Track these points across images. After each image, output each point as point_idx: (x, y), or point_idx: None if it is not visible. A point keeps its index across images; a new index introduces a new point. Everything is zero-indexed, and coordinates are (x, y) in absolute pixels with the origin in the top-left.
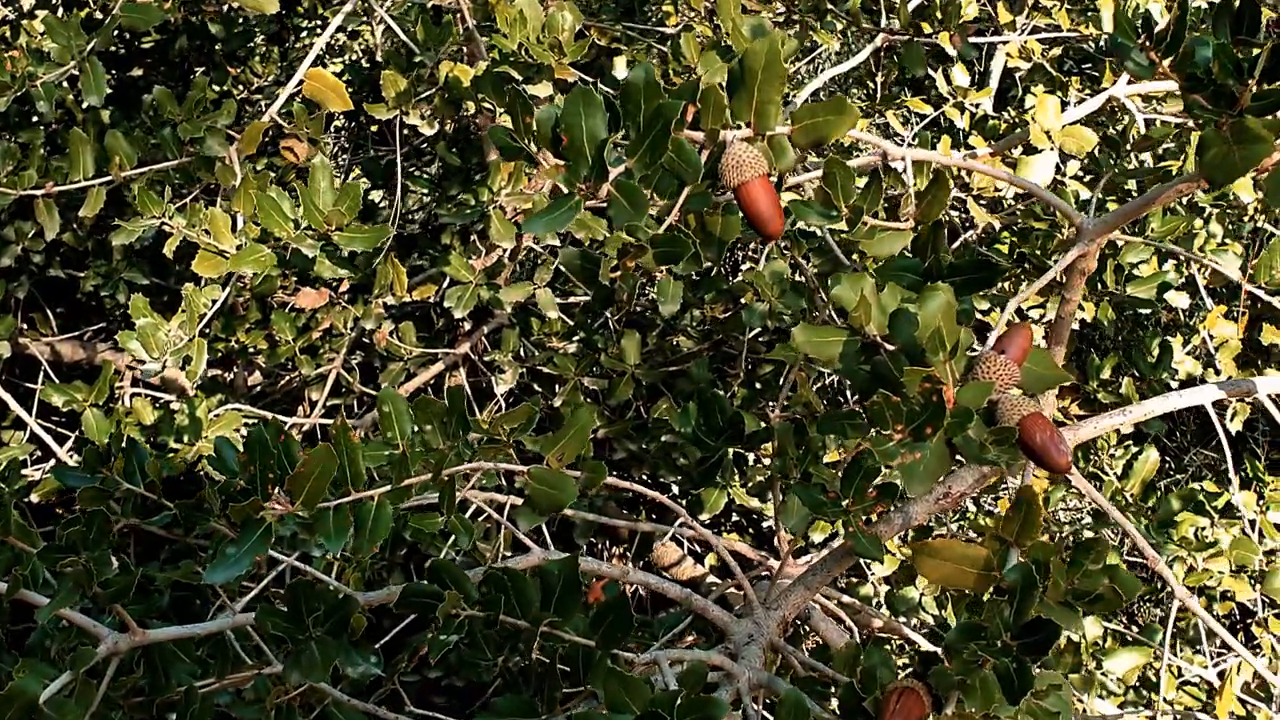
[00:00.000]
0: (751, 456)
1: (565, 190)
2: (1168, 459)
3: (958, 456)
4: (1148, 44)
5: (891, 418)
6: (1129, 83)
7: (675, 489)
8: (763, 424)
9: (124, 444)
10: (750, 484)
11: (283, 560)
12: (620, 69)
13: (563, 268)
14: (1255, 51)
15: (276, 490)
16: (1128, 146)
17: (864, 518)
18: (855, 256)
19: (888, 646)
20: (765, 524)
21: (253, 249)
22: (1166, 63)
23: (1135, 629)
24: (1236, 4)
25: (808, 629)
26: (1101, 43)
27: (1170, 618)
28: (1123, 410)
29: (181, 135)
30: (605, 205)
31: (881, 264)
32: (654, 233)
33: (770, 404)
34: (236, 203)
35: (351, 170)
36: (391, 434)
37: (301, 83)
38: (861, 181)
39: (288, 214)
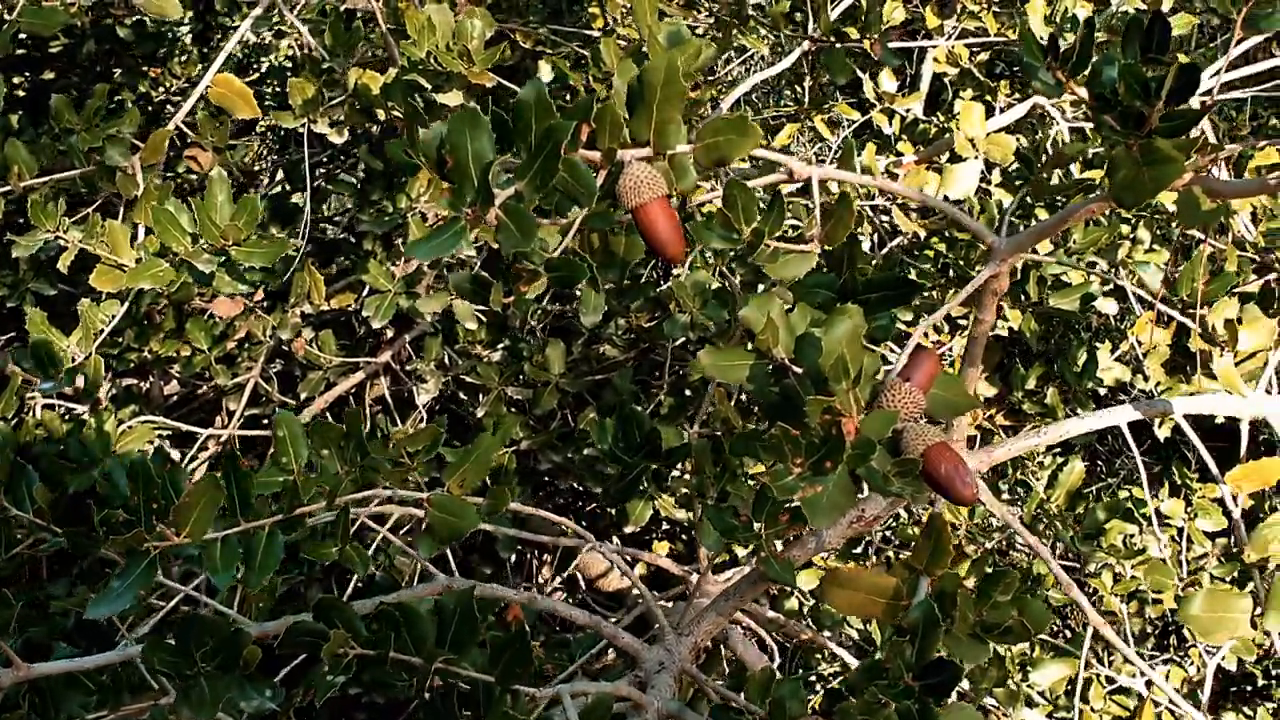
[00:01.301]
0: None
1: (450, 214)
2: (1100, 463)
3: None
4: (1054, 63)
5: (790, 450)
6: None
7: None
8: (684, 439)
9: (10, 469)
10: (676, 495)
11: (189, 586)
12: (545, 72)
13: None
14: (1163, 71)
15: (164, 521)
16: (1040, 163)
17: (777, 542)
18: None
19: (818, 655)
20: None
21: (151, 263)
22: (1074, 82)
23: (1066, 635)
24: (1146, 22)
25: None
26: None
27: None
28: (1038, 430)
29: (79, 145)
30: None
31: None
32: (548, 256)
33: (693, 415)
34: (137, 214)
35: (277, 172)
36: (286, 459)
37: (209, 88)
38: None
39: (186, 228)
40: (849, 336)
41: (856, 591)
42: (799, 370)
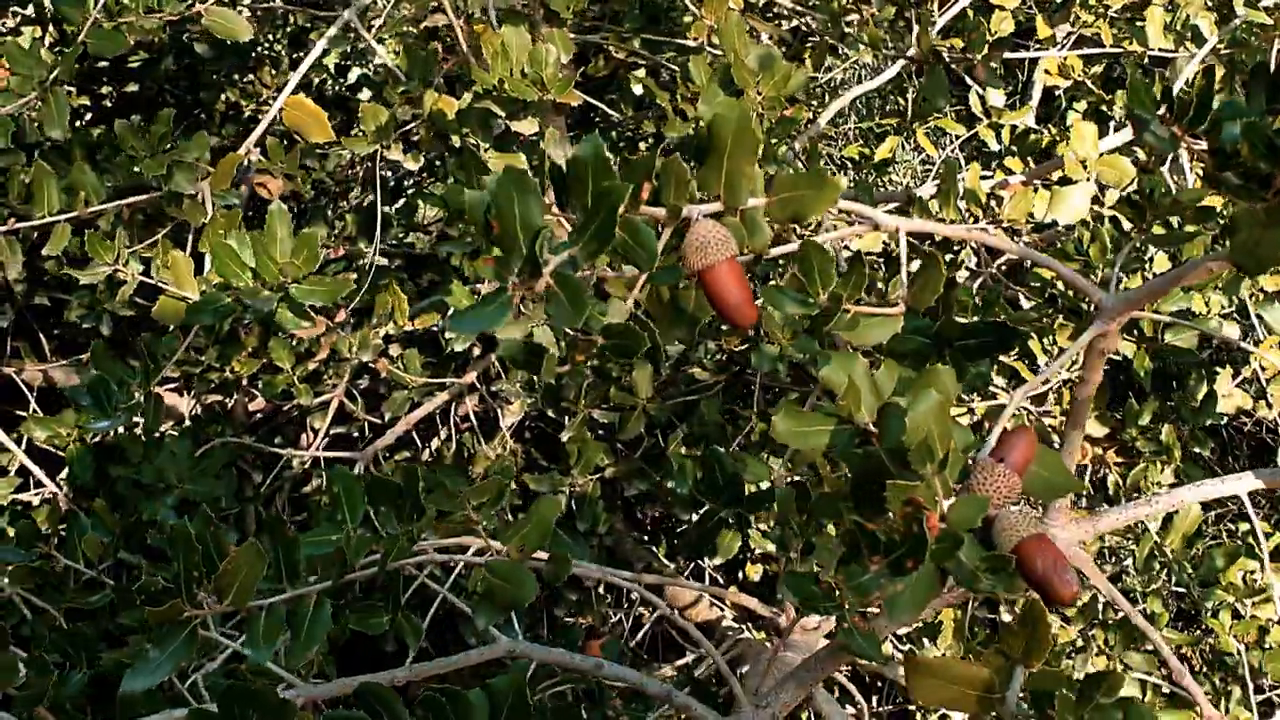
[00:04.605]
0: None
1: (496, 284)
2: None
3: None
4: (1168, 115)
5: (868, 547)
6: None
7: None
8: (769, 472)
9: (64, 518)
10: (765, 530)
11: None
12: (637, 85)
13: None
14: None
15: (206, 586)
16: (1159, 208)
17: (861, 611)
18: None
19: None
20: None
21: (212, 297)
22: (1191, 136)
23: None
24: (1273, 68)
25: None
26: (1145, 61)
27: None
28: (1149, 500)
29: (144, 173)
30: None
31: None
32: (607, 322)
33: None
34: (204, 243)
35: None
36: (342, 517)
37: (281, 111)
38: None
39: (247, 262)
40: (936, 411)
41: (944, 682)
42: (882, 441)
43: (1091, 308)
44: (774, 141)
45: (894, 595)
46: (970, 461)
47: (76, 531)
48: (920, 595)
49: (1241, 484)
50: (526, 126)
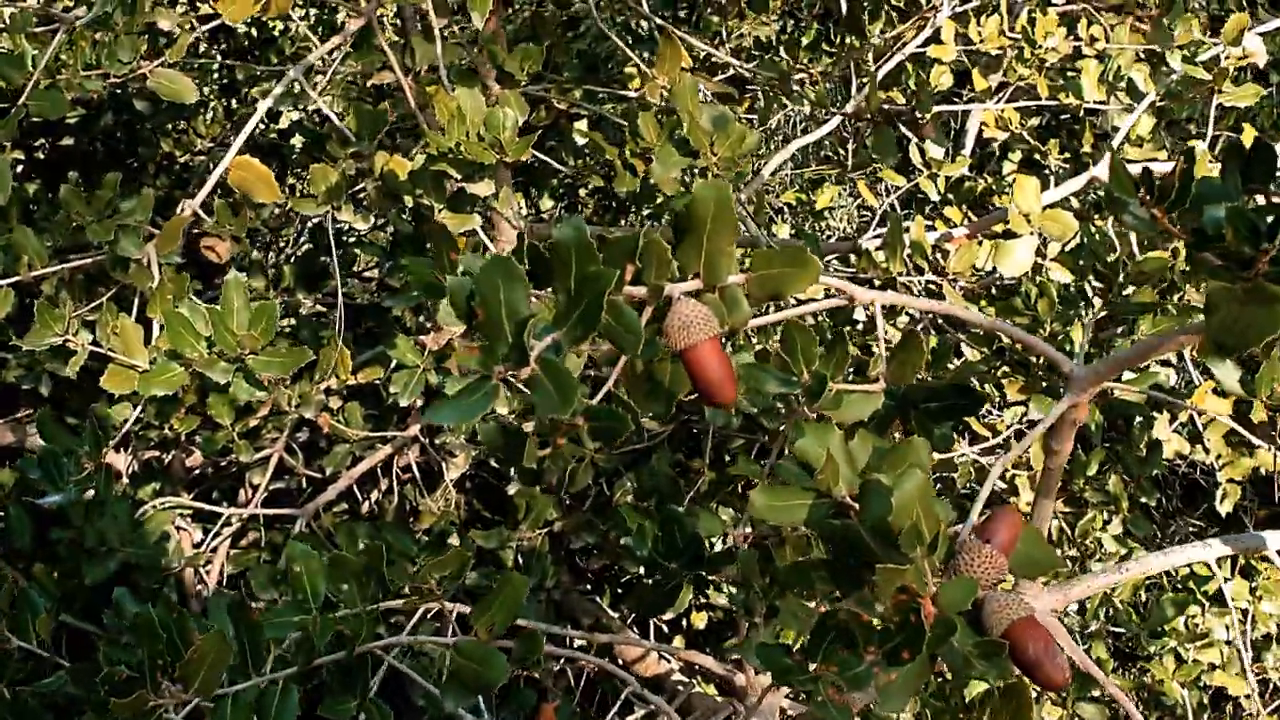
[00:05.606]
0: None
1: (480, 372)
2: (1154, 528)
3: None
4: (1148, 198)
5: (862, 637)
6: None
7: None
8: (724, 526)
9: (14, 597)
10: (718, 583)
11: None
12: (579, 136)
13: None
14: (1269, 207)
15: (172, 673)
16: (1120, 278)
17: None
18: None
19: None
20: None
21: (163, 367)
22: (1169, 218)
23: None
24: (1249, 148)
25: None
26: (1081, 113)
27: None
28: (1119, 567)
29: (91, 238)
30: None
31: None
32: (589, 404)
33: (735, 512)
34: (152, 308)
35: (303, 233)
36: (303, 596)
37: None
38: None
39: (200, 332)
40: (921, 491)
41: None
42: (863, 519)
43: (1054, 376)
44: None
45: (887, 685)
46: (954, 541)
47: (29, 611)
48: (913, 682)
49: (1210, 551)
50: (483, 189)
